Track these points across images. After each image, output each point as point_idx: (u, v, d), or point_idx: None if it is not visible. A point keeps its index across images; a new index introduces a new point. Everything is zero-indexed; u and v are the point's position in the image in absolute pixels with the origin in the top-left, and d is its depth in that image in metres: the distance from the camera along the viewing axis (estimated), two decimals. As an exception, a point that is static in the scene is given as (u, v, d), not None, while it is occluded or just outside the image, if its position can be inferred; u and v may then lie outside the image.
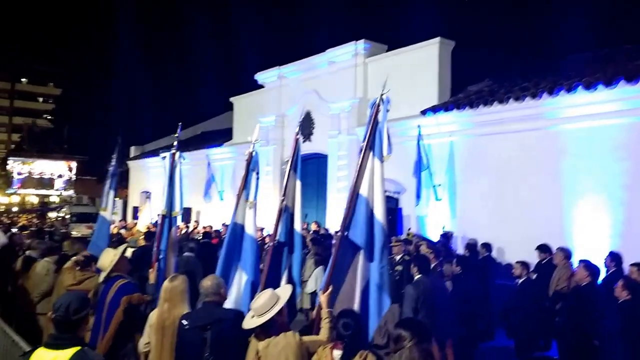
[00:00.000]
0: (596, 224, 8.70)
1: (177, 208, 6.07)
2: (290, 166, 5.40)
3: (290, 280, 5.17)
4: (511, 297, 7.30)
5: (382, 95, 4.49)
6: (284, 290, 4.06)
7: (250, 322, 3.76)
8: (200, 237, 12.32)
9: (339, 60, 14.32)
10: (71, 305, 2.89)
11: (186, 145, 22.14)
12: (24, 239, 10.70)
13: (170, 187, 6.01)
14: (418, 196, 10.93)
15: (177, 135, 6.32)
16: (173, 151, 6.12)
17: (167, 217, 5.96)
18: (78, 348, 2.82)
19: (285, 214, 5.29)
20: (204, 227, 14.69)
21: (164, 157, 6.15)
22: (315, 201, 14.82)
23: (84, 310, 2.96)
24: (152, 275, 5.52)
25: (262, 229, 11.07)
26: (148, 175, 24.52)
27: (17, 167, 44.75)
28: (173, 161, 6.06)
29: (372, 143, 4.43)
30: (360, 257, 4.32)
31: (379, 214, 4.33)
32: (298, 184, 5.39)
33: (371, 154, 4.42)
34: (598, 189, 8.79)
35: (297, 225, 5.26)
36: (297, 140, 5.52)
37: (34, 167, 45.27)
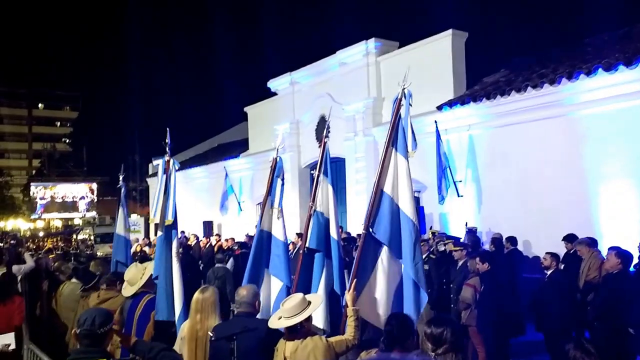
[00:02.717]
0: (624, 210, 8.45)
1: (170, 216, 5.79)
2: (320, 171, 5.29)
3: (329, 287, 5.06)
4: (540, 290, 7.13)
5: (403, 89, 4.39)
6: (315, 298, 4.01)
7: (276, 322, 3.74)
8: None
9: (350, 61, 14.22)
10: (96, 319, 2.91)
11: (204, 159, 22.27)
12: (50, 262, 10.80)
13: (167, 195, 5.82)
14: (440, 193, 10.75)
15: (167, 141, 6.12)
16: (167, 158, 5.98)
17: (168, 226, 5.71)
18: None
19: (316, 219, 5.18)
20: (227, 240, 14.67)
21: (157, 164, 5.88)
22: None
23: (109, 324, 2.99)
24: None
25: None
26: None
27: (39, 192, 45.45)
28: (168, 168, 5.90)
29: (394, 139, 4.34)
30: (385, 255, 4.23)
31: (408, 210, 4.24)
32: (330, 189, 5.29)
33: (393, 150, 4.33)
34: (624, 174, 8.55)
35: (334, 232, 5.14)
36: (325, 144, 5.43)
37: (56, 191, 45.93)
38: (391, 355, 2.89)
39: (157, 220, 5.69)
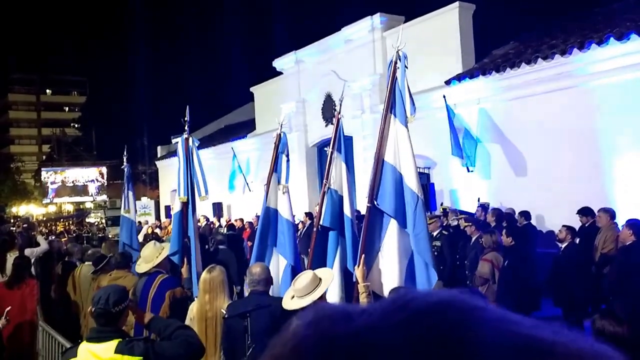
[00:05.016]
0: (638, 182, 8.32)
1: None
2: (334, 148, 5.22)
3: (344, 265, 5.03)
4: (555, 264, 7.07)
5: (397, 51, 4.22)
6: (326, 274, 3.94)
7: (290, 303, 3.68)
8: (225, 230, 12.34)
9: (355, 37, 14.03)
10: (111, 297, 2.87)
11: (211, 140, 22.21)
12: (63, 245, 10.91)
13: (188, 172, 5.89)
14: (463, 158, 10.45)
15: (186, 119, 6.11)
16: (185, 136, 5.98)
17: (189, 204, 5.83)
18: (120, 340, 2.81)
19: (330, 197, 5.13)
20: (229, 220, 14.68)
21: (176, 142, 5.99)
22: (345, 184, 14.62)
23: (124, 301, 2.94)
24: (184, 269, 5.52)
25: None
26: (176, 173, 24.66)
27: (50, 177, 45.75)
28: (187, 146, 5.92)
29: (392, 105, 4.20)
30: (394, 227, 4.14)
31: (410, 179, 4.12)
32: (343, 166, 5.22)
33: (392, 117, 4.20)
34: (638, 145, 8.39)
35: (347, 209, 5.09)
36: (338, 120, 5.35)
37: (67, 175, 46.20)
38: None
39: (185, 199, 5.76)
